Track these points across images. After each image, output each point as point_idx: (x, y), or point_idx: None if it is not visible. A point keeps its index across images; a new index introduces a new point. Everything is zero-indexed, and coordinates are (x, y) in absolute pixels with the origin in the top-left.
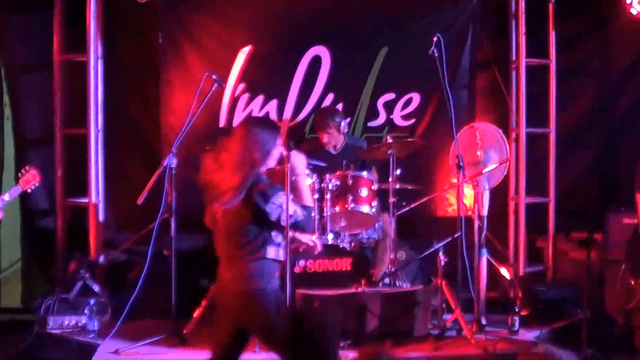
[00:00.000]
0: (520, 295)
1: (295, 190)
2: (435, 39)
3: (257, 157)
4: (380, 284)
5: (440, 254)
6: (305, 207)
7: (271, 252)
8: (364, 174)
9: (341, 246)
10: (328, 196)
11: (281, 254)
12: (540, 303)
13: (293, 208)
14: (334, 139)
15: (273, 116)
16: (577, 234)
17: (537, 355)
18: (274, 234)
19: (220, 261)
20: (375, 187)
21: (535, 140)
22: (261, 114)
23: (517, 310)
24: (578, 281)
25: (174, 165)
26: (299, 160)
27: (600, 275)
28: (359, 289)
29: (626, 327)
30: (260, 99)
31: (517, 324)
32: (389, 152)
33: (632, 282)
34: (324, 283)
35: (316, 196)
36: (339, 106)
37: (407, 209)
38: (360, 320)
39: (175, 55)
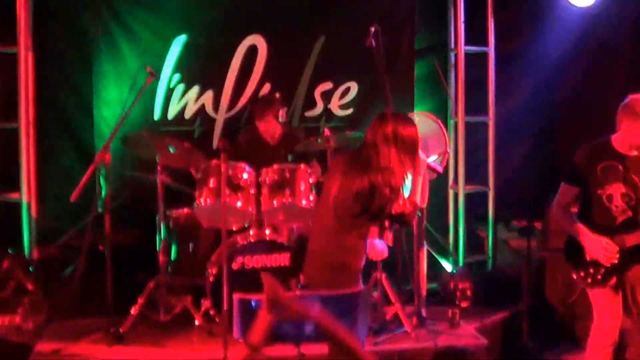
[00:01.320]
0: (460, 287)
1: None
2: (372, 29)
3: None
4: None
5: None
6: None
7: None
8: (302, 167)
9: (279, 241)
10: (265, 190)
11: None
12: (481, 294)
13: None
14: (272, 127)
15: (209, 107)
16: (517, 222)
17: None
18: None
19: None
20: (312, 180)
21: (474, 129)
22: (197, 105)
23: (457, 302)
24: (519, 270)
25: (106, 163)
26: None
27: (541, 264)
28: (297, 292)
29: (567, 316)
30: (195, 89)
31: (457, 316)
32: (326, 144)
33: (574, 276)
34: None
35: (253, 191)
36: (276, 96)
37: None
38: (297, 324)
39: (109, 46)
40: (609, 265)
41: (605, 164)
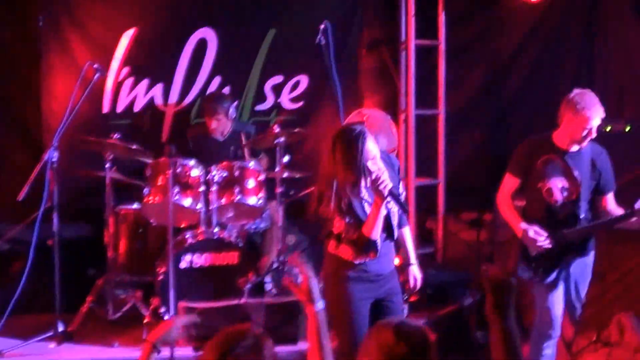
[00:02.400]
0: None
1: None
2: (322, 26)
3: None
4: (269, 277)
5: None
6: None
7: None
8: (251, 164)
9: (227, 239)
10: (214, 188)
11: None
12: (430, 287)
13: None
14: (222, 125)
15: (158, 101)
16: (467, 214)
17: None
18: None
19: None
20: (262, 177)
21: (424, 121)
22: (146, 98)
23: (405, 297)
24: (468, 262)
25: (55, 159)
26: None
27: (490, 256)
28: (242, 300)
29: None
30: (144, 83)
31: (406, 310)
32: (275, 142)
33: (518, 269)
34: (211, 277)
35: (202, 188)
36: (226, 90)
37: (295, 198)
38: None
39: (57, 38)
40: (543, 256)
41: (546, 157)
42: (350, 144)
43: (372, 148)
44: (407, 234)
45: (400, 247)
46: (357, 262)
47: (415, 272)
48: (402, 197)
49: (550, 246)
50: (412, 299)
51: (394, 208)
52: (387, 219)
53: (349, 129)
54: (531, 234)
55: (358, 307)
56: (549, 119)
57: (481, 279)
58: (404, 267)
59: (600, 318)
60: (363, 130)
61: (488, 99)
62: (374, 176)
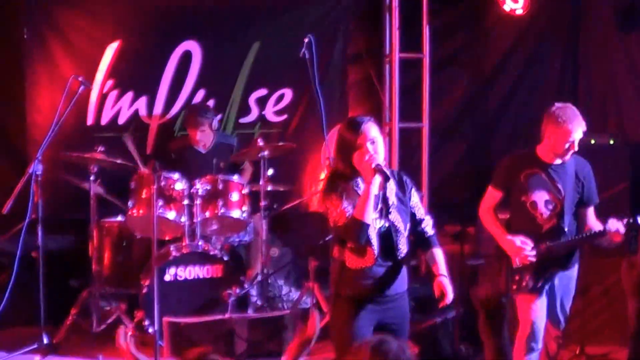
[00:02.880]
0: None
1: None
2: (306, 40)
3: None
4: (254, 288)
5: (311, 258)
6: None
7: None
8: (235, 177)
9: (211, 252)
10: (198, 201)
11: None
12: (413, 300)
13: None
14: (206, 136)
15: (143, 113)
16: (451, 227)
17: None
18: None
19: None
20: (246, 190)
21: (408, 134)
22: (130, 111)
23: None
24: (451, 274)
25: (40, 172)
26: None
27: (474, 269)
28: (227, 315)
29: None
30: (129, 95)
31: None
32: (259, 155)
33: (502, 283)
34: (195, 291)
35: (186, 202)
36: (211, 102)
37: (279, 211)
38: (228, 345)
39: (42, 51)
40: (522, 265)
41: (529, 171)
42: (350, 128)
43: (375, 133)
44: (439, 254)
45: (431, 264)
46: (355, 267)
47: (446, 284)
48: (420, 211)
49: (534, 259)
50: None
51: (400, 225)
52: (390, 237)
53: (353, 117)
54: (518, 243)
55: (359, 331)
56: (531, 133)
57: (472, 299)
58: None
59: (584, 332)
60: (366, 117)
61: (471, 112)
62: (364, 150)
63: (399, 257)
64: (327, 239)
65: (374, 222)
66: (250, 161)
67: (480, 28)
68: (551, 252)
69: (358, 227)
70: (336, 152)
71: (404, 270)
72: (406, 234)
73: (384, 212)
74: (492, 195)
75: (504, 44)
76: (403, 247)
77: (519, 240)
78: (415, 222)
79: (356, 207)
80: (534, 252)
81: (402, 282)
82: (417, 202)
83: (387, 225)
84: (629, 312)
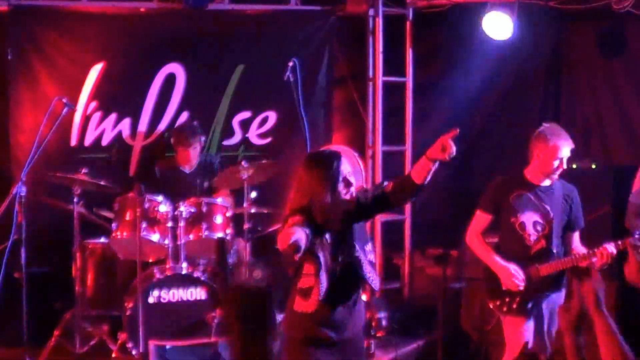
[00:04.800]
0: (376, 316)
1: None
2: (290, 64)
3: None
4: None
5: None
6: None
7: None
8: (219, 200)
9: (195, 275)
10: (182, 223)
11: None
12: (397, 323)
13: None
14: (196, 155)
15: (126, 134)
16: (433, 250)
17: None
18: None
19: None
20: (230, 213)
21: (391, 156)
22: (114, 132)
23: (372, 332)
24: (434, 298)
25: (23, 193)
26: None
27: (457, 292)
28: (212, 339)
29: (482, 344)
30: (113, 117)
31: (372, 346)
32: (242, 177)
33: (490, 305)
34: (179, 313)
35: (170, 224)
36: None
37: (262, 233)
38: None
39: (25, 72)
40: (516, 291)
41: (518, 193)
42: (324, 163)
43: (347, 167)
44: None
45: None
46: (299, 310)
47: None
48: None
49: (522, 289)
50: (379, 334)
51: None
52: (354, 268)
53: (320, 151)
54: (512, 270)
55: None
56: (514, 156)
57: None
58: (368, 304)
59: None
60: (335, 151)
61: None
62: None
63: (360, 292)
64: None
65: (327, 259)
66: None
67: (463, 52)
68: (543, 274)
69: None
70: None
71: (360, 308)
72: (371, 257)
73: (344, 249)
74: (480, 219)
75: (487, 68)
76: (371, 276)
77: (512, 268)
78: (376, 196)
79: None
80: (523, 283)
81: (358, 321)
82: (362, 191)
83: (347, 261)
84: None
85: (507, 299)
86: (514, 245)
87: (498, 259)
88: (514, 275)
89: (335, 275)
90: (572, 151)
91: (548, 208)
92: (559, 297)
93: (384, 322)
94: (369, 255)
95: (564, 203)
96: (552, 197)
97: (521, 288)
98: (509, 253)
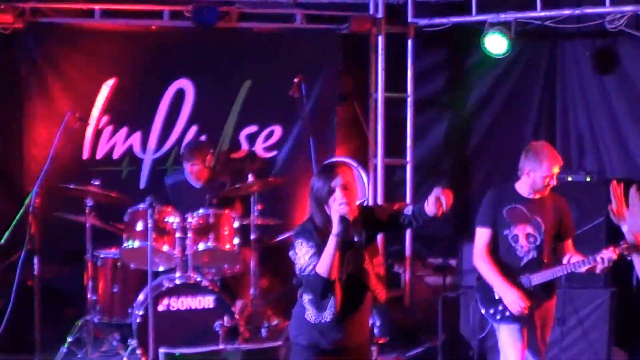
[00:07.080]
0: (377, 324)
1: None
2: (296, 80)
3: None
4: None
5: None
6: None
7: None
8: (226, 211)
9: (203, 284)
10: (190, 234)
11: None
12: (398, 330)
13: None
14: (201, 171)
15: (136, 148)
16: (433, 260)
17: None
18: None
19: None
20: (237, 224)
21: (393, 170)
22: (125, 146)
23: (375, 339)
24: (434, 305)
25: (36, 205)
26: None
27: (455, 301)
28: (221, 346)
29: (479, 352)
30: (124, 131)
31: (374, 353)
32: (249, 190)
33: (484, 312)
34: (187, 321)
35: (178, 234)
36: (202, 138)
37: (268, 243)
38: None
39: (39, 86)
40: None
41: (510, 206)
42: (322, 173)
43: (348, 178)
44: None
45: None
46: (314, 321)
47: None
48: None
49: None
50: (381, 341)
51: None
52: (358, 284)
53: (326, 163)
54: (517, 295)
55: None
56: (510, 169)
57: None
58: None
59: None
60: (339, 162)
61: (452, 150)
62: (335, 196)
63: (365, 303)
64: None
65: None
66: (240, 199)
67: (462, 70)
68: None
69: (320, 283)
70: (310, 201)
71: (366, 318)
72: (379, 270)
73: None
74: (482, 235)
75: (485, 84)
76: (376, 288)
77: (518, 294)
78: (394, 216)
79: (320, 262)
80: (527, 311)
81: (363, 331)
82: (379, 208)
83: (355, 272)
84: None
85: (500, 307)
86: (506, 255)
87: (504, 282)
88: (519, 301)
89: (342, 285)
90: (562, 167)
91: (539, 220)
92: (551, 304)
93: (385, 329)
94: (377, 268)
95: (554, 214)
96: (543, 209)
97: (524, 314)
98: (500, 263)
